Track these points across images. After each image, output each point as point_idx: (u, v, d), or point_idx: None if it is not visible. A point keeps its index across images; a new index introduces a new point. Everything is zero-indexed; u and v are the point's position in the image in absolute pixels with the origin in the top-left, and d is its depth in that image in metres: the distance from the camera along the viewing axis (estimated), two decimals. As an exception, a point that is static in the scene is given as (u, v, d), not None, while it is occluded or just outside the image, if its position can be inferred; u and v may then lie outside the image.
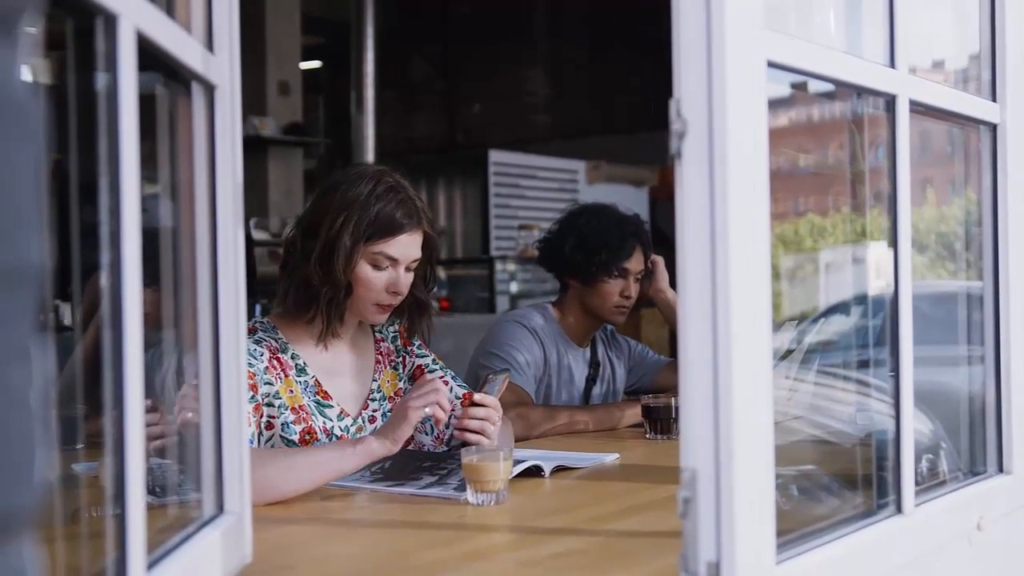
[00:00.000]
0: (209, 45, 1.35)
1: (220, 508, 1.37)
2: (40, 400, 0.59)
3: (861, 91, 1.56)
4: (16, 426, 0.57)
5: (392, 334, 2.42)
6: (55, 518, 1.11)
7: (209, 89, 1.35)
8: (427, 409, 1.98)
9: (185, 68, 1.25)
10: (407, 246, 2.21)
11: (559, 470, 2.18)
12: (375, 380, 2.34)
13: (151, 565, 1.09)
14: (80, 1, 0.95)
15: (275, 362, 2.17)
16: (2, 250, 0.57)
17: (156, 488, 1.35)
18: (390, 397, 2.35)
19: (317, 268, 2.16)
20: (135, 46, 1.03)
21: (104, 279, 1.01)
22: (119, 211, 1.01)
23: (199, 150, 1.36)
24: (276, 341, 2.21)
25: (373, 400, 2.33)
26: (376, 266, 2.19)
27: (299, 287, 2.20)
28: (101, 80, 1.02)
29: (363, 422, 2.28)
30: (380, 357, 2.38)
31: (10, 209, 0.57)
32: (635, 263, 3.02)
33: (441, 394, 2.01)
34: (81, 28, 1.02)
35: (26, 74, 0.59)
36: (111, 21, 1.00)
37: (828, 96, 1.73)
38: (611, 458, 2.36)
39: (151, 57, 1.12)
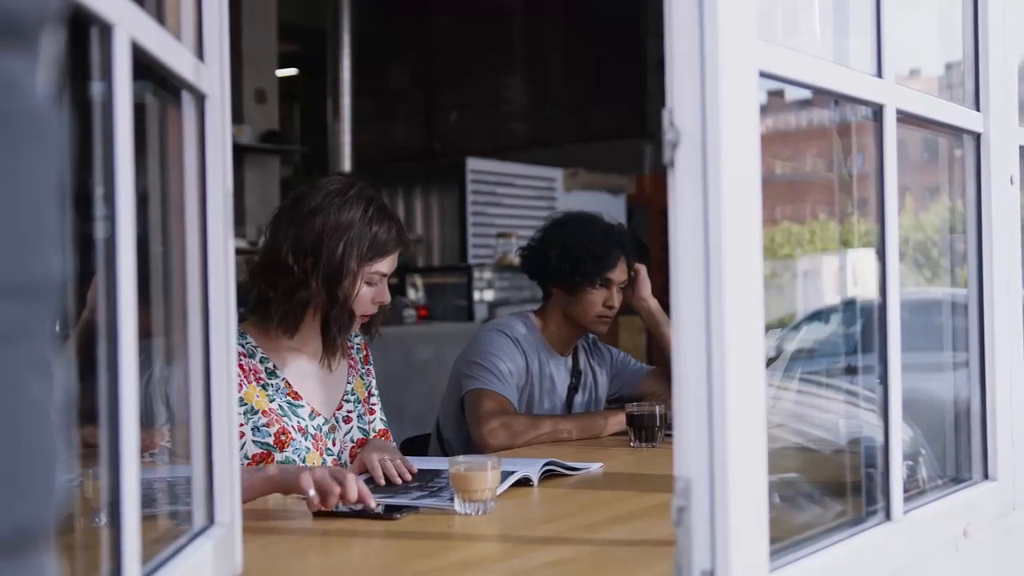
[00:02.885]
0: (200, 54, 1.35)
1: (211, 519, 1.36)
2: (60, 414, 0.59)
3: (850, 101, 1.57)
4: (38, 440, 0.57)
5: (357, 345, 2.51)
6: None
7: (200, 98, 1.34)
8: (311, 492, 1.83)
9: (177, 77, 1.25)
10: (395, 261, 2.33)
11: (548, 476, 2.19)
12: (349, 383, 2.42)
13: (145, 578, 1.08)
14: (75, 10, 0.94)
15: (238, 368, 2.18)
16: (24, 263, 0.56)
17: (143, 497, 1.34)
18: (363, 401, 2.45)
19: (323, 292, 2.24)
20: (130, 55, 1.02)
21: (99, 289, 1.01)
22: (114, 220, 1.00)
23: (189, 159, 1.35)
24: (243, 346, 2.24)
25: (348, 401, 2.41)
26: (369, 283, 2.29)
27: (300, 307, 2.25)
28: (95, 88, 1.01)
29: (337, 421, 2.36)
30: (352, 362, 2.46)
31: (32, 222, 0.56)
32: (619, 273, 3.02)
33: (343, 490, 1.84)
34: (74, 37, 1.02)
35: (46, 86, 0.59)
36: (106, 30, 0.99)
37: (805, 104, 1.74)
38: (596, 467, 2.36)
39: (142, 65, 1.11)
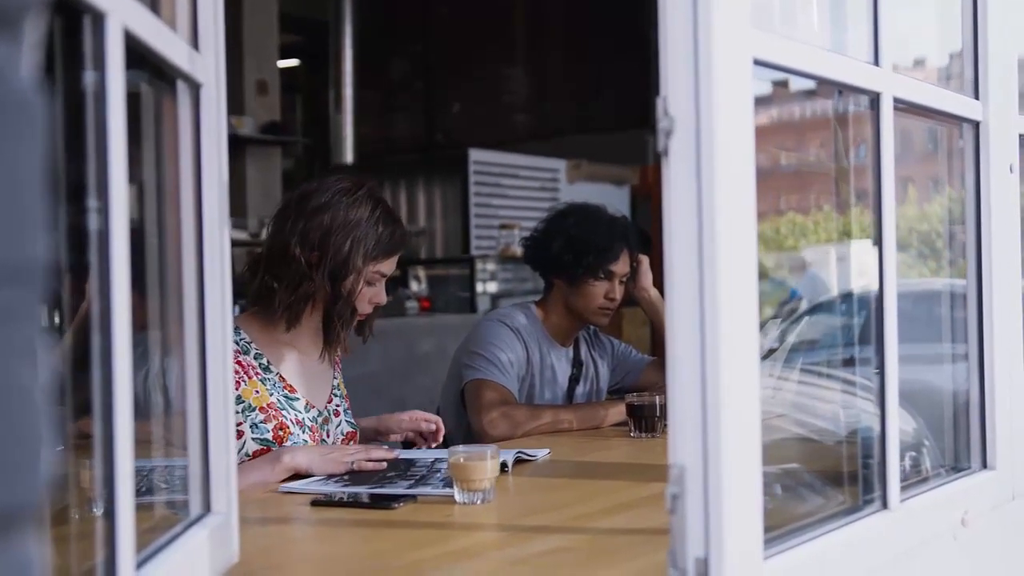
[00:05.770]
0: (194, 43, 1.35)
1: (207, 508, 1.37)
2: (45, 396, 0.59)
3: (846, 89, 1.56)
4: (23, 423, 0.57)
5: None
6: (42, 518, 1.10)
7: (195, 88, 1.34)
8: (354, 465, 2.14)
9: (171, 66, 1.25)
10: (395, 263, 2.38)
11: (520, 462, 2.24)
12: (335, 378, 2.48)
13: (140, 564, 1.08)
14: (67, -1, 0.94)
15: (236, 365, 2.20)
16: (10, 247, 0.57)
17: (140, 487, 1.34)
18: (345, 396, 2.50)
19: (327, 286, 2.27)
20: (123, 44, 1.02)
21: (91, 280, 1.01)
22: (107, 211, 1.00)
23: (184, 149, 1.35)
24: (237, 343, 2.25)
25: (336, 395, 2.46)
26: (369, 283, 2.33)
27: (303, 300, 2.29)
28: (88, 78, 1.01)
29: (329, 414, 2.41)
30: (337, 360, 2.51)
31: (18, 206, 0.57)
32: (621, 266, 3.02)
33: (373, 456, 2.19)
34: (67, 25, 1.01)
35: (29, 72, 0.59)
36: (99, 19, 0.99)
37: (809, 94, 1.73)
38: (543, 453, 2.39)
39: (136, 55, 1.11)
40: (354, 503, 1.89)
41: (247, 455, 2.20)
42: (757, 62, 1.25)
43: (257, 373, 2.28)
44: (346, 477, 2.09)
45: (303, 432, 2.29)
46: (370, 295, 2.34)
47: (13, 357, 0.57)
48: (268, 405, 2.26)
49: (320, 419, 2.37)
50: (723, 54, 1.17)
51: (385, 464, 2.16)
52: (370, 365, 5.21)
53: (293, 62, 9.96)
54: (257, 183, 7.68)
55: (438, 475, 2.06)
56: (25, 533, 0.58)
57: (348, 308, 2.30)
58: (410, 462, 2.21)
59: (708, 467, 1.16)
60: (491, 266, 7.63)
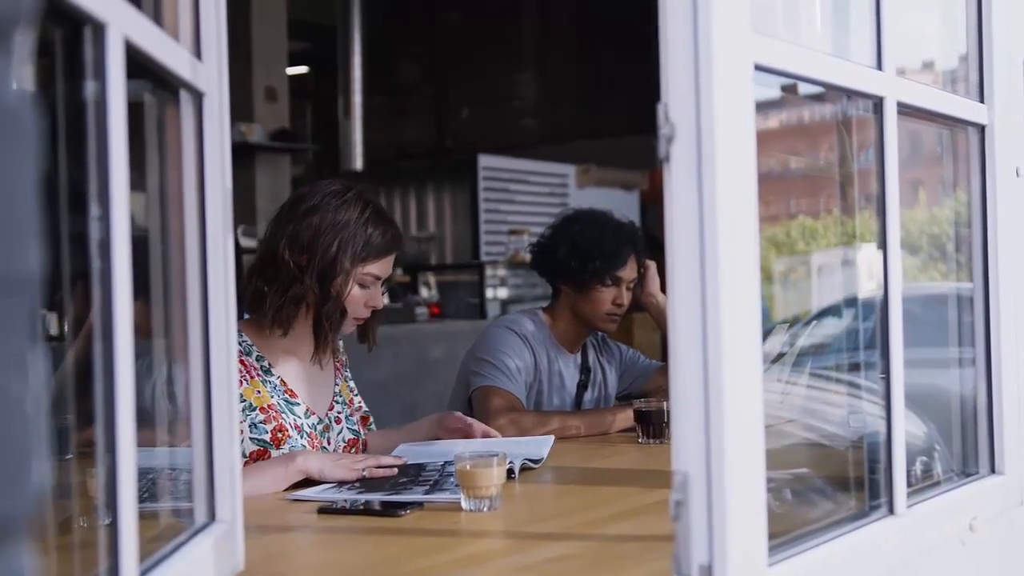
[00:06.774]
0: (197, 53, 1.35)
1: (212, 516, 1.37)
2: (37, 407, 0.59)
3: (849, 93, 1.56)
4: (14, 433, 0.57)
5: (340, 349, 2.56)
6: (47, 527, 1.11)
7: (197, 97, 1.35)
8: (365, 472, 2.13)
9: (173, 76, 1.25)
10: (390, 265, 2.37)
11: (525, 469, 2.22)
12: (336, 385, 2.47)
13: (143, 573, 1.09)
14: (68, 9, 0.95)
15: (239, 365, 2.21)
16: (3, 258, 0.57)
17: (145, 495, 1.35)
18: (348, 402, 2.49)
19: (316, 288, 2.27)
20: (123, 54, 1.03)
21: (94, 289, 1.01)
22: (109, 220, 1.00)
23: (188, 158, 1.35)
24: (239, 345, 2.26)
25: (337, 402, 2.46)
26: (362, 285, 2.32)
27: (293, 303, 2.28)
28: (89, 88, 1.01)
29: (330, 421, 2.41)
30: (338, 366, 2.51)
31: (8, 217, 0.57)
32: (628, 272, 3.02)
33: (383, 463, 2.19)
34: (68, 36, 1.02)
35: (21, 83, 0.59)
36: (99, 29, 0.99)
37: (818, 98, 1.73)
38: (547, 445, 2.40)
39: (138, 65, 1.11)
40: (360, 510, 1.89)
41: (244, 455, 2.21)
42: (758, 67, 1.25)
43: (259, 374, 2.29)
44: (358, 484, 2.09)
45: (301, 437, 2.29)
46: (365, 298, 2.33)
47: (4, 368, 0.57)
48: (268, 406, 2.26)
49: (320, 426, 2.37)
50: (724, 59, 1.17)
51: (396, 471, 2.15)
52: (380, 371, 5.21)
53: (302, 69, 9.97)
54: (267, 190, 7.67)
55: (451, 479, 2.06)
56: (18, 543, 0.58)
57: (337, 310, 2.29)
58: (420, 467, 2.21)
59: (711, 473, 1.16)
60: (501, 272, 7.63)
